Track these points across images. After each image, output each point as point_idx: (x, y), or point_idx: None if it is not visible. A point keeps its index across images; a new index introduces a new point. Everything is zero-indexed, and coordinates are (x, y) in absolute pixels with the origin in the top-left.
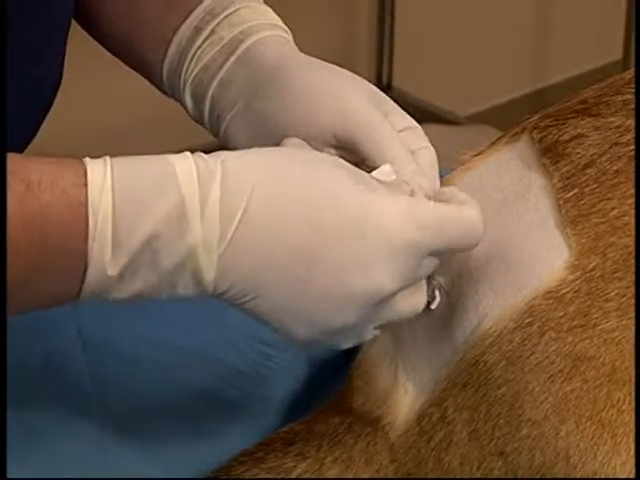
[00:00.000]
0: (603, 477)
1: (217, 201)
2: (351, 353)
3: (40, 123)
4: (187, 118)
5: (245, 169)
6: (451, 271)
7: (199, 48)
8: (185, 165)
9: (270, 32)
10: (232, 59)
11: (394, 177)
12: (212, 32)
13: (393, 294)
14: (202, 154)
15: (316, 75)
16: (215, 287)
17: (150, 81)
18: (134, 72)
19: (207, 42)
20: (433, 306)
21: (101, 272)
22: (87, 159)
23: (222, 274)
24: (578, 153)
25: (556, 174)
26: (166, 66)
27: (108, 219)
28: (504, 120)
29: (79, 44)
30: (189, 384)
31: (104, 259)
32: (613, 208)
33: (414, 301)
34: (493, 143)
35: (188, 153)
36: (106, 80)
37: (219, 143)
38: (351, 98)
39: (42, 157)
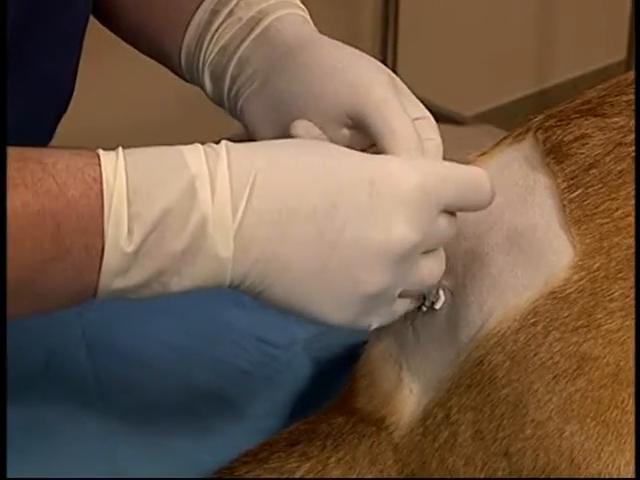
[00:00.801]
0: (603, 477)
1: (226, 177)
2: (355, 353)
3: (57, 123)
4: (201, 118)
5: (251, 150)
6: (455, 271)
7: (217, 30)
8: (193, 149)
9: (289, 10)
10: (250, 38)
11: None
12: (230, 13)
13: (415, 249)
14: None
15: (335, 53)
16: (234, 270)
17: (168, 67)
18: (147, 72)
19: (225, 23)
20: (437, 306)
21: (118, 250)
22: (99, 149)
23: (240, 252)
24: (582, 153)
25: (560, 174)
26: (184, 50)
27: (123, 195)
28: (508, 120)
29: (93, 45)
30: (193, 384)
31: (120, 235)
32: (617, 208)
33: (434, 267)
34: (497, 143)
35: (197, 144)
36: (120, 80)
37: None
38: (369, 76)
39: (55, 148)
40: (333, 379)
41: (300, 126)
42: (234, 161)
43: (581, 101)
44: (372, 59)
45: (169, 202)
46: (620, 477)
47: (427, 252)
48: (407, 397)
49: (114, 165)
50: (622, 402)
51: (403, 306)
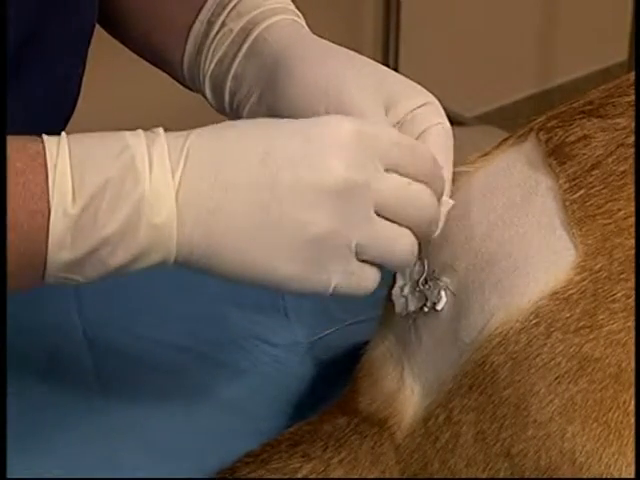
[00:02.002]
0: (605, 478)
1: (165, 148)
2: (357, 353)
3: (63, 127)
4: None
5: (189, 131)
6: (457, 272)
7: (212, 42)
8: (134, 133)
9: (277, 17)
10: (243, 51)
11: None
12: (222, 24)
13: (358, 190)
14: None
15: (319, 67)
16: (179, 240)
17: (173, 78)
18: (152, 76)
19: (219, 35)
20: (439, 307)
21: (63, 213)
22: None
23: (181, 217)
24: (584, 154)
25: (562, 175)
26: (186, 64)
27: (66, 165)
28: (510, 121)
29: (99, 48)
30: (194, 385)
31: (66, 200)
32: (619, 209)
33: (395, 232)
34: (499, 144)
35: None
36: (126, 84)
37: None
38: (351, 92)
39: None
40: (335, 380)
41: None
42: (171, 136)
43: (583, 102)
44: (363, 61)
45: (110, 172)
46: (621, 477)
47: (388, 219)
48: (409, 398)
49: (57, 143)
50: (624, 403)
51: (369, 273)
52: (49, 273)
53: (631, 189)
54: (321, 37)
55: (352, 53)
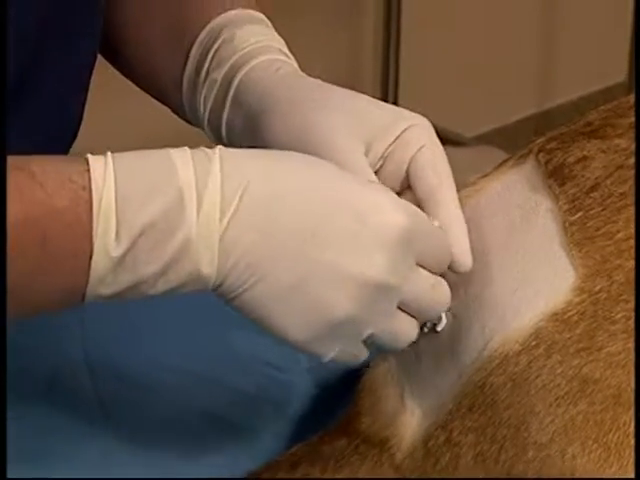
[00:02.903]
0: (603, 477)
1: (217, 186)
2: (357, 374)
3: (67, 149)
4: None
5: (244, 160)
6: (457, 293)
7: (202, 92)
8: (182, 155)
9: (255, 61)
10: (228, 101)
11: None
12: (207, 74)
13: (390, 290)
14: (201, 148)
15: (295, 115)
16: (218, 271)
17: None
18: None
19: (206, 85)
20: (439, 328)
21: (106, 255)
22: (89, 154)
23: (223, 258)
24: (584, 175)
25: (562, 196)
26: (187, 108)
27: (112, 201)
28: (510, 141)
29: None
30: (196, 406)
31: (108, 240)
32: (619, 231)
33: (408, 327)
34: (499, 165)
35: (186, 147)
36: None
37: None
38: (329, 138)
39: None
40: (335, 401)
41: None
42: (226, 170)
43: (583, 123)
44: (338, 99)
45: (156, 212)
46: (621, 477)
47: (405, 311)
48: (409, 419)
49: (103, 172)
50: (624, 424)
51: (365, 353)
52: (86, 302)
53: (630, 211)
54: (320, 58)
55: (327, 87)
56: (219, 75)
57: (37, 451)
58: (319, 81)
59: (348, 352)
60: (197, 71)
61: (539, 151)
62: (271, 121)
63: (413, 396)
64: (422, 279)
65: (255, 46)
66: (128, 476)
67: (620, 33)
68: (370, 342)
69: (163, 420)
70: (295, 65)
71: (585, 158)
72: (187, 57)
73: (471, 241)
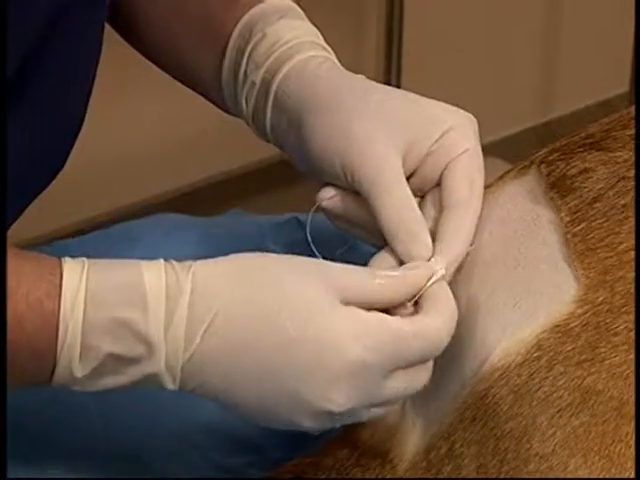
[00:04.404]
0: (603, 477)
1: (184, 318)
2: None
3: (68, 152)
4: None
5: (214, 279)
6: (459, 305)
7: (242, 94)
8: (156, 280)
9: (291, 62)
10: (269, 106)
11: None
12: (245, 76)
13: (351, 411)
14: (174, 264)
15: (331, 129)
16: (180, 387)
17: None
18: (165, 95)
19: (245, 88)
20: None
21: (69, 374)
22: (65, 264)
23: (185, 380)
24: (586, 187)
25: (564, 208)
26: (230, 106)
27: (77, 331)
28: (511, 152)
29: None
30: (197, 417)
31: (72, 365)
32: (621, 242)
33: (399, 388)
34: (501, 177)
35: (161, 262)
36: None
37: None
38: (366, 146)
39: (22, 257)
40: None
41: (321, 193)
42: (194, 297)
43: (584, 135)
44: (378, 98)
45: (118, 346)
46: (621, 477)
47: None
48: (411, 430)
49: (74, 295)
50: (626, 436)
51: (375, 412)
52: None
53: (632, 222)
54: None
55: (365, 86)
56: (257, 78)
57: (39, 464)
58: (357, 77)
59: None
60: (235, 73)
61: (541, 162)
62: (313, 127)
63: (415, 408)
64: (398, 383)
65: (290, 44)
66: None
67: (622, 44)
68: None
69: (161, 430)
70: (331, 56)
71: (587, 170)
72: (223, 56)
73: (472, 252)
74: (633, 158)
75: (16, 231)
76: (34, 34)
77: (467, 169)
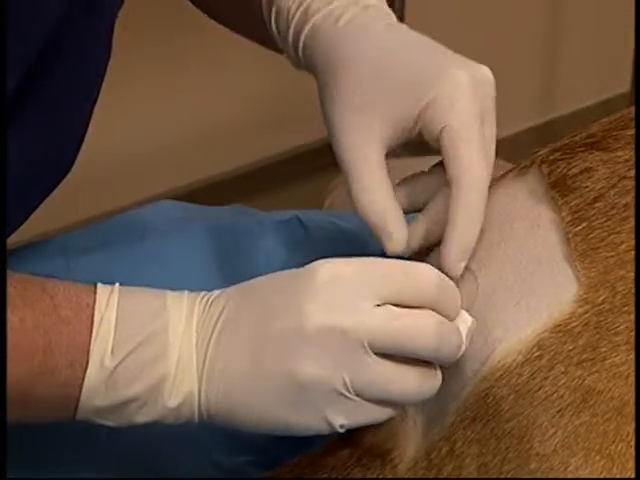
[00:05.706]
0: (602, 477)
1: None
2: None
3: (73, 159)
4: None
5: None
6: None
7: (283, 45)
8: (177, 304)
9: (314, 18)
10: (301, 61)
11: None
12: (278, 32)
13: (343, 330)
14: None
15: (356, 87)
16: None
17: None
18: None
19: (282, 41)
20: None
21: (100, 365)
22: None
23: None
24: (587, 187)
25: (565, 208)
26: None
27: (112, 322)
28: (512, 152)
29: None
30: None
31: (105, 354)
32: (622, 242)
33: (391, 374)
34: (502, 176)
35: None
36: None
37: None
38: (391, 117)
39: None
40: None
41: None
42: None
43: (585, 134)
44: (398, 51)
45: (142, 337)
46: (621, 478)
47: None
48: (412, 430)
49: (108, 296)
50: (627, 436)
51: (372, 410)
52: (79, 415)
53: (633, 222)
54: None
55: (389, 36)
56: (288, 35)
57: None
58: (377, 27)
59: (350, 414)
60: (275, 25)
61: (542, 162)
62: (337, 83)
63: (416, 407)
64: (379, 314)
65: None
66: None
67: (623, 45)
68: (364, 397)
69: (164, 435)
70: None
71: (588, 169)
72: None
73: (473, 252)
74: (634, 158)
75: (17, 230)
76: (40, 42)
77: (447, 151)
